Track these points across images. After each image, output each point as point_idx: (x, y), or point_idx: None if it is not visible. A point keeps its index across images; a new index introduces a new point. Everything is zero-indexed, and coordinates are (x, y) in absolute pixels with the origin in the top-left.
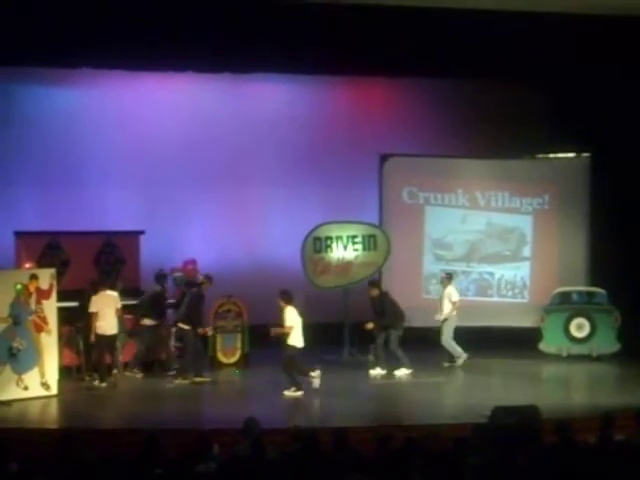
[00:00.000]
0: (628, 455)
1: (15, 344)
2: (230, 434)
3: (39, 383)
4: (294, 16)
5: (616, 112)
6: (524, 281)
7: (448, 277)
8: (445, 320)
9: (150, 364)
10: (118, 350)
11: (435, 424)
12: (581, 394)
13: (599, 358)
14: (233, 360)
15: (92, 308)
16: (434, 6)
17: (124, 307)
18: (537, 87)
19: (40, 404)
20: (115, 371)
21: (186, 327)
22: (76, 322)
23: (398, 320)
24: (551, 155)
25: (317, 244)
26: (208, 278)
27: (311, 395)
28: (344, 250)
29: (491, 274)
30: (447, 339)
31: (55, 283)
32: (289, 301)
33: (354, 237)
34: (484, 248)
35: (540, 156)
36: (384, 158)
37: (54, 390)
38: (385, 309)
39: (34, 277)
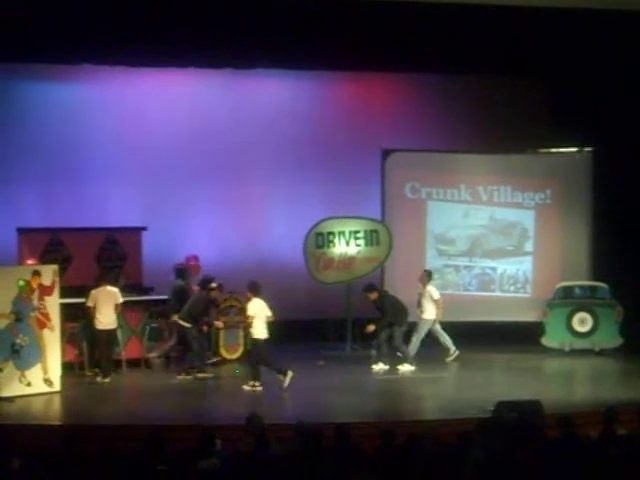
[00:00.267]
0: (631, 450)
1: (18, 340)
2: (233, 430)
3: (42, 379)
4: (295, 11)
5: (618, 106)
6: (526, 276)
7: (428, 274)
8: (425, 320)
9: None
10: (120, 347)
11: (438, 419)
12: (584, 389)
13: (602, 353)
14: (236, 356)
15: (89, 302)
16: (436, 1)
17: (128, 303)
18: (539, 81)
19: (43, 400)
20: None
21: (187, 325)
22: (80, 318)
23: (400, 316)
24: (553, 150)
25: (319, 239)
26: (220, 287)
27: (314, 391)
28: (346, 245)
29: (493, 269)
30: (409, 341)
31: (57, 279)
32: (255, 293)
33: (356, 232)
34: (486, 243)
35: (542, 151)
36: (386, 153)
37: (57, 386)
38: (385, 309)
39: (37, 273)
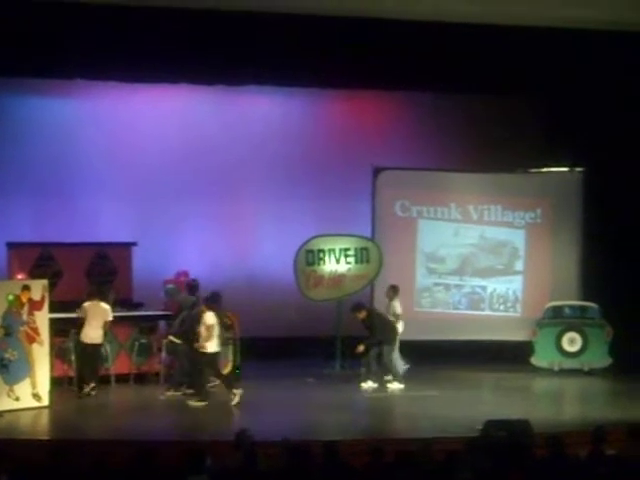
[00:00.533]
0: (619, 470)
1: (7, 355)
2: (222, 446)
3: (30, 394)
4: (288, 29)
5: (610, 126)
6: (516, 295)
7: (393, 289)
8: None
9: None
10: (109, 362)
11: (427, 438)
12: (573, 408)
13: (591, 372)
14: (225, 372)
15: (79, 313)
16: (429, 20)
17: (117, 318)
18: (531, 101)
19: (31, 415)
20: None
21: (178, 341)
22: (71, 332)
23: (389, 334)
24: (544, 169)
25: (310, 257)
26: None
27: (303, 408)
28: (337, 263)
29: (483, 288)
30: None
31: (47, 294)
32: (210, 307)
33: (347, 250)
34: (476, 262)
35: (533, 170)
36: (377, 171)
37: (45, 401)
38: (374, 327)
39: (26, 288)
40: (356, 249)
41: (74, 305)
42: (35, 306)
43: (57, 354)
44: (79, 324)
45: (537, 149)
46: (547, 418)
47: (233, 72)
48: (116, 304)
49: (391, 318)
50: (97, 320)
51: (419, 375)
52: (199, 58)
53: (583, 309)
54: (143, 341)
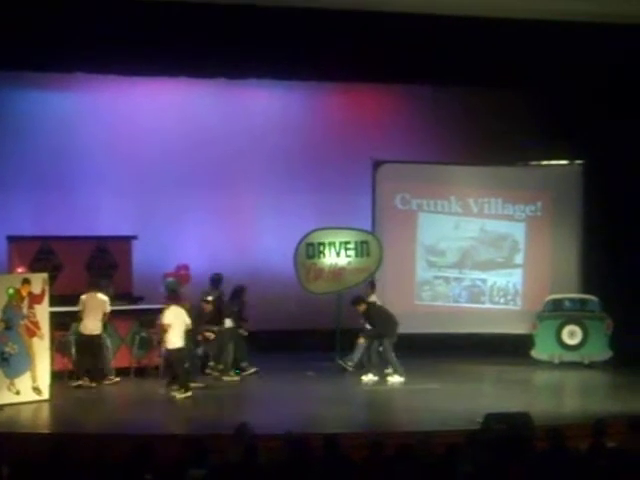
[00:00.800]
0: (619, 462)
1: (7, 349)
2: (222, 439)
3: (31, 388)
4: (288, 22)
5: (610, 120)
6: (516, 288)
7: (371, 285)
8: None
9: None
10: (110, 355)
11: (427, 431)
12: (573, 401)
13: (591, 365)
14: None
15: (78, 307)
16: (428, 12)
17: (117, 312)
18: (530, 94)
19: (32, 409)
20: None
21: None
22: (72, 324)
23: (389, 328)
24: (544, 162)
25: (310, 250)
26: (219, 300)
27: (303, 401)
28: (337, 256)
29: (484, 281)
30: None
31: (47, 288)
32: (172, 300)
33: (347, 243)
34: (477, 255)
35: (533, 163)
36: (377, 164)
37: (46, 395)
38: (374, 320)
39: (26, 282)
40: (356, 242)
41: (74, 298)
42: (35, 300)
43: (57, 348)
44: (78, 317)
45: (537, 142)
46: (547, 411)
47: (232, 65)
48: (116, 298)
49: None
50: (95, 312)
51: (420, 368)
52: (199, 51)
53: (583, 302)
54: (143, 335)
